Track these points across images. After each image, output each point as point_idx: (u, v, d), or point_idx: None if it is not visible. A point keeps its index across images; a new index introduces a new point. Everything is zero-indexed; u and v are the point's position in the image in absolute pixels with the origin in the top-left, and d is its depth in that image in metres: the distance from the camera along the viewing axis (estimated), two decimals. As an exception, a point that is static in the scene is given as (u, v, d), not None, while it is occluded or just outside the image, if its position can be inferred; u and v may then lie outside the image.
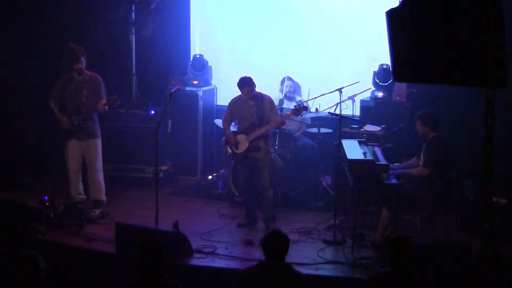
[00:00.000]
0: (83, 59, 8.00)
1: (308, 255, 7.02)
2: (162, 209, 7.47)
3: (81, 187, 8.27)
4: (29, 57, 9.65)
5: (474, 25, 3.57)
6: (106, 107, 8.02)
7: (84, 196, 8.25)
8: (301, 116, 8.51)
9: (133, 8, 9.90)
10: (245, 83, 7.67)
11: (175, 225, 7.22)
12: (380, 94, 8.82)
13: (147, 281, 4.62)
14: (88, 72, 8.12)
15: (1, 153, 9.42)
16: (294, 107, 7.93)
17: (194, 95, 9.67)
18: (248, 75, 7.76)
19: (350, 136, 8.31)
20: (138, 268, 4.64)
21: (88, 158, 8.18)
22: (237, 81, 7.73)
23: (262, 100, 7.79)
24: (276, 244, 5.05)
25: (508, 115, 7.41)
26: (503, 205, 7.36)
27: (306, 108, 7.89)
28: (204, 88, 9.76)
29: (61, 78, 8.11)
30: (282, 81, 9.12)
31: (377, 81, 8.87)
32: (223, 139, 8.25)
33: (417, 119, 7.22)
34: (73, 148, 8.13)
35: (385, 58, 8.86)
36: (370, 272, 6.55)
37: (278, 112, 8.08)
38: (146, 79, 10.16)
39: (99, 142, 8.20)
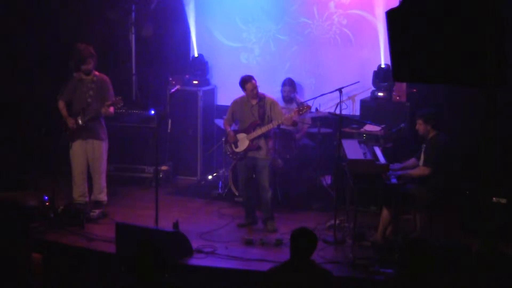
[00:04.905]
0: (90, 60, 8.00)
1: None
2: (162, 209, 7.47)
3: (85, 189, 8.26)
4: (30, 57, 9.65)
5: (474, 25, 3.57)
6: (111, 110, 8.03)
7: (86, 199, 8.25)
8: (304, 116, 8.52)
9: (133, 8, 9.90)
10: (246, 80, 7.69)
11: (175, 225, 7.22)
12: (380, 94, 8.82)
13: (147, 281, 4.62)
14: (96, 73, 8.12)
15: (1, 153, 9.42)
16: (297, 106, 7.93)
17: (194, 95, 9.67)
18: (248, 74, 7.79)
19: (350, 136, 8.31)
20: (137, 268, 4.64)
21: (92, 159, 8.18)
22: (239, 81, 7.74)
23: (264, 100, 7.79)
24: (305, 241, 5.00)
25: (508, 115, 7.41)
26: (503, 205, 7.36)
27: (309, 107, 7.87)
28: (204, 88, 9.76)
29: (73, 78, 8.12)
30: (283, 83, 9.11)
31: (377, 81, 8.86)
32: (223, 138, 8.25)
33: (419, 118, 7.20)
34: (78, 149, 8.15)
35: (385, 58, 8.87)
36: (371, 272, 6.56)
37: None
38: (146, 79, 10.16)
39: (104, 145, 8.21)
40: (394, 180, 7.03)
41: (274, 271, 5.09)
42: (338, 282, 5.08)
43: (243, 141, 7.83)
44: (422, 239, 5.05)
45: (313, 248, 5.03)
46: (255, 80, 7.71)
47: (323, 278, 4.95)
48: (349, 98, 8.94)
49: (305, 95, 9.35)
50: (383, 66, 8.87)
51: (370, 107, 8.84)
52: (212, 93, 9.97)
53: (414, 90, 8.81)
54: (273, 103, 7.82)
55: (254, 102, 7.77)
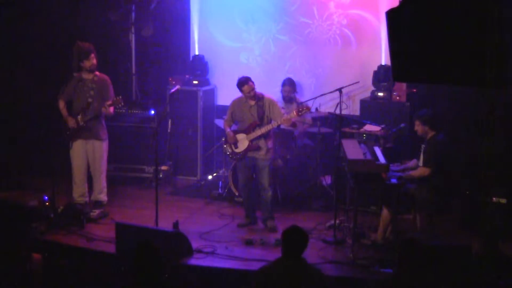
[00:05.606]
0: (93, 55, 8.00)
1: (308, 255, 7.00)
2: (162, 209, 7.47)
3: (85, 189, 8.26)
4: (30, 57, 9.66)
5: (474, 24, 3.57)
6: (111, 110, 8.03)
7: (86, 199, 8.25)
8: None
9: (133, 8, 9.90)
10: (243, 82, 7.69)
11: (175, 225, 7.22)
12: (380, 94, 8.81)
13: (147, 282, 4.62)
14: (97, 73, 8.12)
15: (1, 153, 9.43)
16: (297, 107, 7.94)
17: (194, 95, 9.67)
18: (245, 75, 7.78)
19: (350, 136, 8.31)
20: (135, 270, 4.64)
21: (92, 159, 8.18)
22: (236, 83, 7.75)
23: (262, 100, 7.79)
24: (295, 239, 5.03)
25: (508, 115, 7.41)
26: (503, 205, 7.36)
27: (309, 109, 7.87)
28: (204, 88, 9.76)
29: (73, 78, 8.11)
30: (282, 83, 9.10)
31: (377, 81, 8.86)
32: (223, 138, 8.25)
33: (417, 119, 7.20)
34: (78, 149, 8.15)
35: (386, 58, 8.86)
36: (371, 272, 6.56)
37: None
38: (146, 79, 10.16)
39: (104, 145, 8.21)
40: (394, 180, 7.03)
41: (266, 270, 5.11)
42: (329, 281, 5.09)
43: (243, 142, 7.83)
44: (421, 239, 5.06)
45: (304, 246, 5.06)
46: (252, 82, 7.70)
47: (313, 276, 4.97)
48: (349, 98, 8.93)
49: (305, 95, 9.34)
50: (383, 66, 8.86)
51: (370, 107, 8.84)
52: (212, 93, 9.97)
53: (414, 90, 8.81)
54: (271, 103, 7.81)
55: (252, 102, 7.78)
